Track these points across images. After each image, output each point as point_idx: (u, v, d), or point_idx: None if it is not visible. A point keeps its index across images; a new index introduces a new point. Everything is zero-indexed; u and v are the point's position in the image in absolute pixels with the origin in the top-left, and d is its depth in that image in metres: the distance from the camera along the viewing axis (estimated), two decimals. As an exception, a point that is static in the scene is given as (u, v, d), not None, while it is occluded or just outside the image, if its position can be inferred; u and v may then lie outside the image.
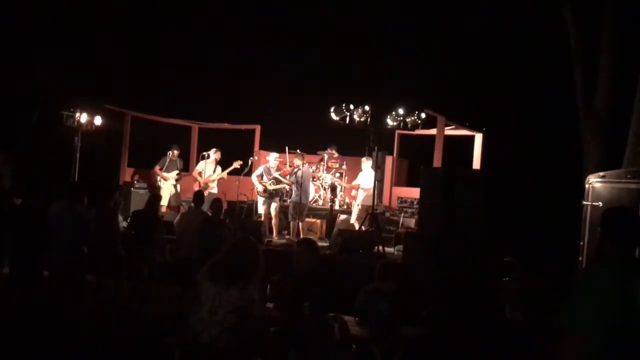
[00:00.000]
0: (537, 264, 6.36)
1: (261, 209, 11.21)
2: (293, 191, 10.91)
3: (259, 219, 11.37)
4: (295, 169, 10.95)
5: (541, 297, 5.44)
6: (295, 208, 10.76)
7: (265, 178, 11.10)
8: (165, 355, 4.38)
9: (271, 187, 11.01)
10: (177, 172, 12.32)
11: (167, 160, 12.33)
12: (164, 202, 12.13)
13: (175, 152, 12.48)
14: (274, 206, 11.13)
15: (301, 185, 10.74)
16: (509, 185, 10.38)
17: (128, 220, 9.15)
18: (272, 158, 11.40)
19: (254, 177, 11.23)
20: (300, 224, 10.99)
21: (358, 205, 11.09)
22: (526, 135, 13.02)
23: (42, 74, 12.66)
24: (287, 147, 12.24)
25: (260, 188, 11.04)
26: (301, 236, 10.87)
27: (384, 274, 5.24)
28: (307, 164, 12.65)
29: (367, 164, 11.14)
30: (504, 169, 11.79)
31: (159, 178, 12.33)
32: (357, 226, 10.80)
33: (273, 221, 11.18)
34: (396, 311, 4.72)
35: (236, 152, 12.70)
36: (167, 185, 12.22)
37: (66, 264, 6.65)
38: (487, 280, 6.42)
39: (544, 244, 8.04)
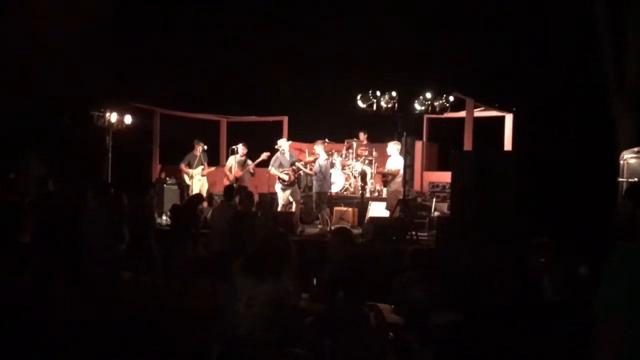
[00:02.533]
0: (573, 244, 6.27)
1: (281, 199, 11.18)
2: (315, 181, 10.80)
3: (290, 210, 11.40)
4: (317, 158, 10.89)
5: (578, 278, 5.37)
6: (321, 197, 10.72)
7: (283, 167, 11.03)
8: (203, 349, 4.44)
9: (293, 176, 10.95)
10: (202, 167, 12.40)
11: (192, 156, 12.42)
12: None
13: (199, 147, 12.56)
14: (292, 194, 11.08)
15: (324, 174, 10.70)
16: (541, 165, 10.24)
17: (165, 216, 9.29)
18: (286, 145, 11.32)
19: (272, 169, 11.12)
20: (327, 212, 10.94)
21: (393, 191, 10.96)
22: (557, 113, 12.80)
23: (71, 75, 12.84)
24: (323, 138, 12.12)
25: (285, 177, 10.96)
26: (332, 225, 10.89)
27: (416, 260, 5.22)
28: (334, 153, 12.67)
29: (393, 148, 10.96)
30: (536, 149, 11.62)
31: (184, 176, 12.44)
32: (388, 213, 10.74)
33: (294, 208, 11.10)
34: (431, 297, 4.70)
35: (265, 144, 12.74)
36: (195, 180, 12.33)
37: (102, 262, 6.76)
38: (522, 262, 6.36)
39: (579, 224, 7.91)
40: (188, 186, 12.35)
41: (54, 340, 5.56)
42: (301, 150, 13.12)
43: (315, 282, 4.98)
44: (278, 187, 11.10)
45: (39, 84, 13.10)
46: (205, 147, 12.69)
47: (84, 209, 7.02)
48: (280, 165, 11.02)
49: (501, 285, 4.94)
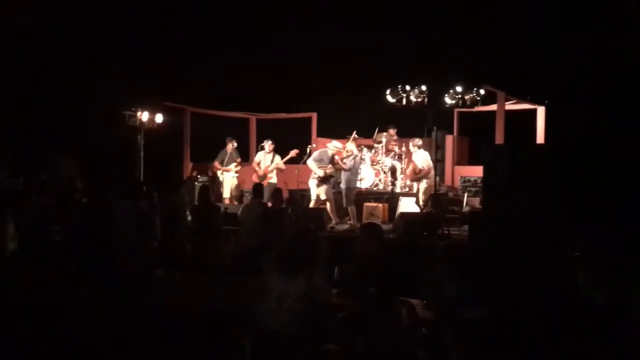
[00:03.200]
0: (609, 238, 6.12)
1: (314, 194, 11.16)
2: (344, 176, 10.75)
3: (321, 206, 11.39)
4: (351, 154, 10.85)
5: (617, 272, 5.24)
6: (351, 193, 10.69)
7: (323, 162, 11.01)
8: (235, 345, 4.44)
9: (329, 172, 10.93)
10: (235, 164, 12.46)
11: (224, 153, 12.49)
12: (226, 194, 12.32)
13: (231, 144, 12.63)
14: (326, 190, 11.05)
15: (355, 170, 10.69)
16: (576, 157, 10.03)
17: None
18: (332, 145, 11.30)
19: (311, 162, 11.13)
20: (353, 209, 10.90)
21: (426, 187, 10.89)
22: (591, 104, 12.53)
23: (103, 75, 13.00)
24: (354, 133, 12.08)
25: (321, 172, 10.93)
26: (362, 221, 10.85)
27: (448, 255, 5.15)
28: (363, 148, 12.63)
29: (416, 146, 11.01)
30: (569, 142, 11.39)
31: (217, 172, 12.52)
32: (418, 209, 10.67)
33: (328, 206, 11.08)
34: (464, 293, 4.64)
35: (294, 141, 12.76)
36: (228, 177, 12.40)
37: (134, 260, 6.83)
38: (557, 257, 6.24)
39: (616, 217, 7.74)
40: (220, 183, 12.42)
41: (87, 338, 5.63)
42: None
43: (336, 275, 4.95)
44: (312, 182, 11.05)
45: (71, 84, 13.30)
46: (236, 144, 12.76)
47: (116, 208, 7.09)
48: (321, 161, 11.00)
49: (535, 280, 4.85)
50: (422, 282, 4.91)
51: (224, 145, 12.62)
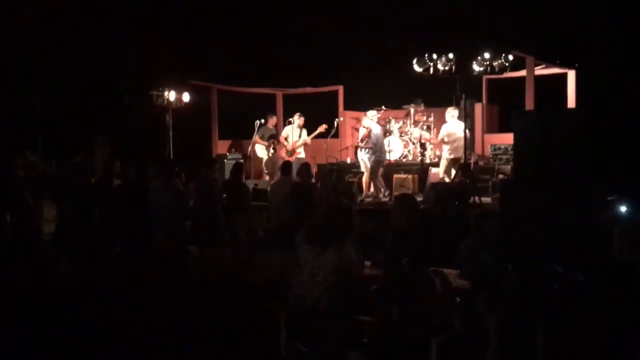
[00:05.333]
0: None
1: (362, 166, 11.00)
2: (372, 152, 10.64)
3: (350, 179, 11.37)
4: (372, 131, 10.72)
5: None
6: (378, 166, 10.64)
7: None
8: (271, 318, 4.51)
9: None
10: (269, 140, 12.41)
11: (266, 129, 12.43)
12: (265, 170, 12.32)
13: (272, 120, 12.60)
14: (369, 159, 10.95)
15: (380, 145, 10.62)
16: (609, 121, 9.84)
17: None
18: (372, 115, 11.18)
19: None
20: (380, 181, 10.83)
21: (445, 159, 10.79)
22: (622, 66, 12.23)
23: (128, 56, 13.09)
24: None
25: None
26: (392, 192, 10.83)
27: (481, 223, 5.12)
28: (391, 120, 12.54)
29: (449, 115, 10.78)
30: (602, 105, 11.17)
31: (257, 147, 12.37)
32: (446, 179, 10.59)
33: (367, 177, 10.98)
34: (500, 261, 4.62)
35: (321, 115, 12.71)
36: (265, 153, 12.34)
37: (168, 238, 6.94)
38: (591, 222, 6.17)
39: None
40: (261, 159, 12.40)
41: (129, 314, 5.77)
42: (358, 119, 13.03)
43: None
44: (363, 155, 10.87)
45: (99, 65, 13.43)
46: (276, 120, 12.72)
47: (152, 188, 7.20)
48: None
49: (572, 247, 4.80)
50: (457, 251, 4.90)
51: (260, 121, 12.41)
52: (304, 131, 12.06)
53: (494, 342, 4.19)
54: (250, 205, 8.70)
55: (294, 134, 12.05)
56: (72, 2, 12.55)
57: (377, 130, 10.73)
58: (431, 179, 11.14)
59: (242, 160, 11.78)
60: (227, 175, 12.06)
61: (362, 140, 10.81)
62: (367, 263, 5.08)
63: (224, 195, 8.42)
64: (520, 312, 4.24)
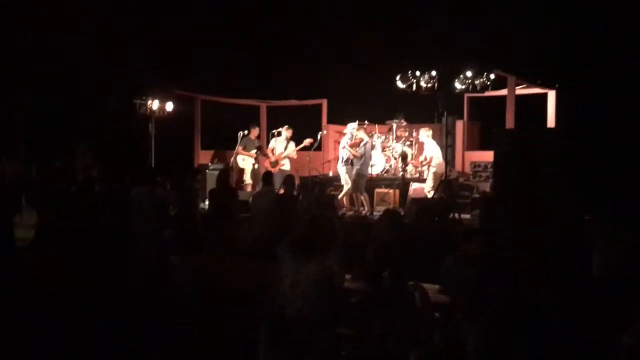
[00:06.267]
0: (623, 220, 6.13)
1: (343, 179, 11.06)
2: (357, 163, 10.70)
3: (332, 192, 11.41)
4: (361, 142, 10.82)
5: (629, 255, 5.26)
6: (361, 180, 10.69)
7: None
8: (252, 327, 4.51)
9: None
10: (255, 151, 12.38)
11: (249, 140, 12.42)
12: (248, 180, 12.28)
13: (255, 131, 12.60)
14: (349, 172, 10.93)
15: (366, 157, 10.72)
16: (588, 140, 9.98)
17: (206, 200, 9.40)
18: (350, 128, 11.28)
19: (345, 148, 10.98)
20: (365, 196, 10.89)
21: (434, 173, 10.91)
22: (600, 87, 12.45)
23: (113, 64, 13.06)
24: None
25: (351, 156, 10.83)
26: (373, 207, 10.89)
27: (468, 239, 5.18)
28: (374, 135, 12.65)
29: (424, 135, 11.05)
30: (581, 126, 11.34)
31: (239, 157, 12.34)
32: (429, 195, 10.70)
33: (345, 190, 11.04)
34: (483, 277, 4.67)
35: (305, 128, 12.76)
36: (248, 164, 12.32)
37: (149, 246, 6.90)
38: (570, 240, 6.26)
39: (629, 199, 7.72)
40: (242, 170, 12.36)
41: (108, 324, 5.72)
42: (341, 133, 13.11)
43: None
44: (342, 168, 11.00)
45: (83, 73, 13.37)
46: (258, 132, 12.71)
47: (132, 195, 7.16)
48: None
49: (554, 263, 4.87)
50: (440, 267, 4.95)
51: (241, 132, 12.42)
52: (291, 144, 12.06)
53: (474, 358, 4.23)
54: (236, 213, 8.66)
55: (279, 146, 12.07)
56: (59, 7, 12.50)
57: (367, 142, 10.83)
58: (412, 194, 11.24)
59: (226, 168, 11.72)
60: (208, 185, 12.05)
61: (352, 147, 10.83)
62: (348, 276, 5.11)
63: (210, 203, 8.38)
64: (501, 328, 4.28)
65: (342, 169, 11.03)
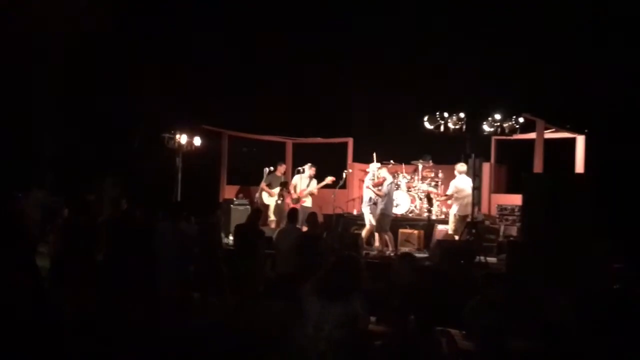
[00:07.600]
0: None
1: (367, 220, 11.01)
2: (381, 202, 10.65)
3: (356, 231, 11.33)
4: (384, 181, 10.79)
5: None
6: (385, 219, 10.61)
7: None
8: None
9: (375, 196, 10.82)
10: (280, 188, 12.41)
11: (274, 176, 12.49)
12: (272, 217, 12.29)
13: (282, 168, 12.68)
14: (374, 213, 10.91)
15: (391, 197, 10.67)
16: (618, 187, 9.85)
17: (230, 236, 9.38)
18: (373, 168, 11.29)
19: (368, 187, 10.94)
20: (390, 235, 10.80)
21: (454, 214, 10.80)
22: (631, 133, 12.31)
23: (143, 98, 13.26)
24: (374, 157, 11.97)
25: (375, 196, 10.82)
26: (396, 247, 10.78)
27: (489, 284, 5.07)
28: (399, 174, 12.62)
29: (458, 170, 10.84)
30: (610, 171, 11.20)
31: (263, 194, 12.39)
32: (455, 237, 10.56)
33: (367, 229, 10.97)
34: (506, 323, 4.56)
35: (330, 166, 12.77)
36: (272, 200, 12.35)
37: (173, 282, 6.89)
38: (601, 287, 6.11)
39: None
40: (267, 205, 12.39)
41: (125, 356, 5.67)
42: (365, 172, 13.08)
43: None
44: (367, 209, 10.99)
45: (113, 106, 13.60)
46: (272, 168, 12.77)
47: (156, 230, 7.18)
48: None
49: (586, 314, 4.74)
50: (463, 312, 4.84)
51: (267, 168, 12.47)
52: (314, 181, 12.10)
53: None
54: (261, 252, 8.59)
55: (303, 183, 12.10)
56: (87, 42, 12.80)
57: (390, 182, 10.80)
58: (437, 235, 11.12)
59: (258, 207, 11.68)
60: (232, 219, 12.06)
61: (375, 186, 10.80)
62: (372, 318, 5.02)
63: (235, 239, 8.34)
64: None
65: (366, 209, 11.02)
